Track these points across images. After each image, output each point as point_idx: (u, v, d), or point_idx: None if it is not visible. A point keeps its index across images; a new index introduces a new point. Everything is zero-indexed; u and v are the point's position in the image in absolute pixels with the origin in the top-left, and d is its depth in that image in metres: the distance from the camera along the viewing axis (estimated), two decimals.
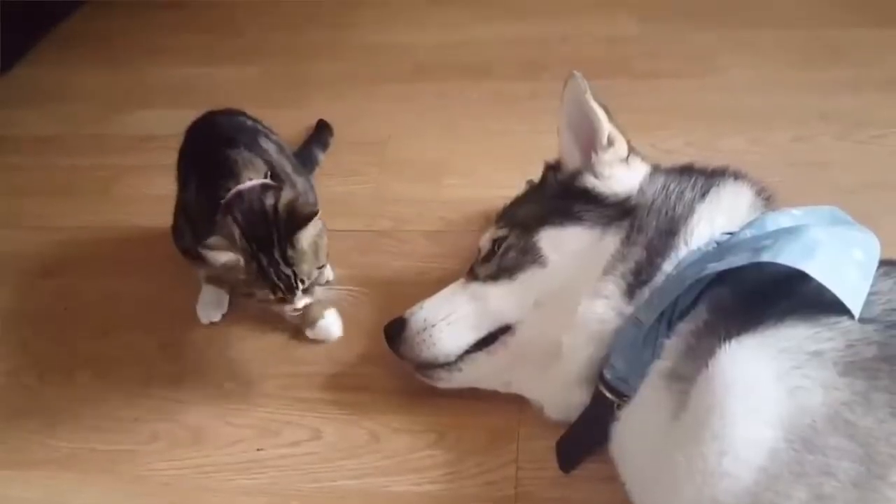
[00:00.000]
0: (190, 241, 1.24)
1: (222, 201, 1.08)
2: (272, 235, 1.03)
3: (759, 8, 2.05)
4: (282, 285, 1.04)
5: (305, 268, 1.05)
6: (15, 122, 1.92)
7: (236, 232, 1.04)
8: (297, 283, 1.05)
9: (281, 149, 1.27)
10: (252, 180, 1.10)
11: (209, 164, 1.15)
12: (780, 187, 1.06)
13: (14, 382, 1.26)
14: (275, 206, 1.05)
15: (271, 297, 1.06)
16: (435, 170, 1.60)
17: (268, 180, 1.12)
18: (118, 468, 1.12)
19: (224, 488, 1.08)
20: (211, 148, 1.18)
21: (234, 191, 1.08)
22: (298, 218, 1.03)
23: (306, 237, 1.04)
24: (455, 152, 1.65)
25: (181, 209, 1.25)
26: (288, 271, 1.04)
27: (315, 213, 1.03)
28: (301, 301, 1.08)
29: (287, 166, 1.24)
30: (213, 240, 1.02)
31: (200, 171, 1.18)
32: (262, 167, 1.14)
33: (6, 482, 1.12)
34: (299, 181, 1.26)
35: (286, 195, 1.07)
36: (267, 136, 1.26)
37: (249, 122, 1.28)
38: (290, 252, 1.03)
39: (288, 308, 1.09)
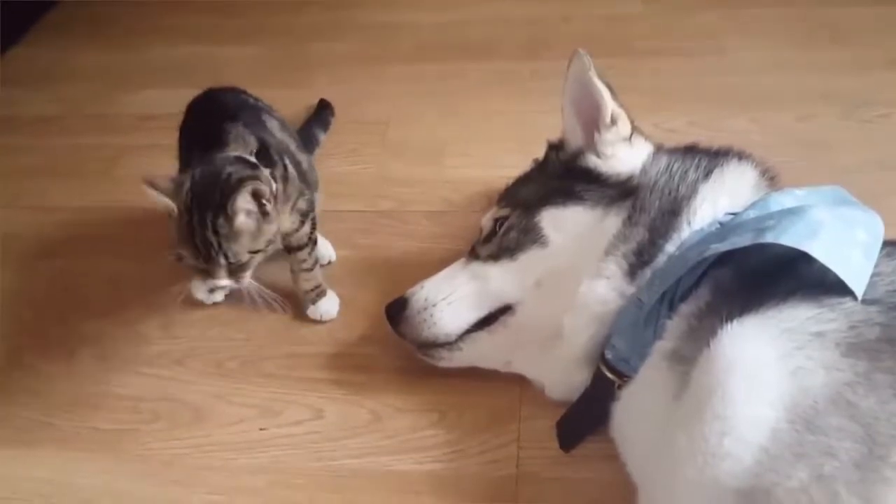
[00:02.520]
0: None
1: None
2: (213, 198, 1.00)
3: None
4: (203, 251, 1.01)
5: (234, 247, 1.02)
6: (15, 103, 1.91)
7: (186, 183, 1.01)
8: (218, 255, 1.02)
9: (284, 126, 1.26)
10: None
11: (210, 139, 1.13)
12: (784, 167, 1.05)
13: (15, 362, 1.26)
14: (229, 174, 1.02)
15: (192, 261, 1.03)
16: (437, 150, 1.60)
17: (249, 156, 1.09)
18: (120, 447, 1.12)
19: (226, 467, 1.08)
20: (213, 123, 1.16)
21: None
22: (236, 186, 0.99)
23: (242, 211, 1.00)
24: (457, 133, 1.64)
25: None
26: (213, 239, 1.01)
27: (243, 183, 0.99)
28: (223, 280, 1.04)
29: (291, 144, 1.23)
30: (159, 178, 1.01)
31: (202, 144, 1.17)
32: (253, 143, 1.12)
33: (11, 461, 1.12)
34: (304, 159, 1.25)
35: (248, 172, 1.03)
36: (269, 114, 1.25)
37: (251, 100, 1.27)
38: (221, 220, 1.00)
39: (209, 282, 1.06)
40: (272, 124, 1.22)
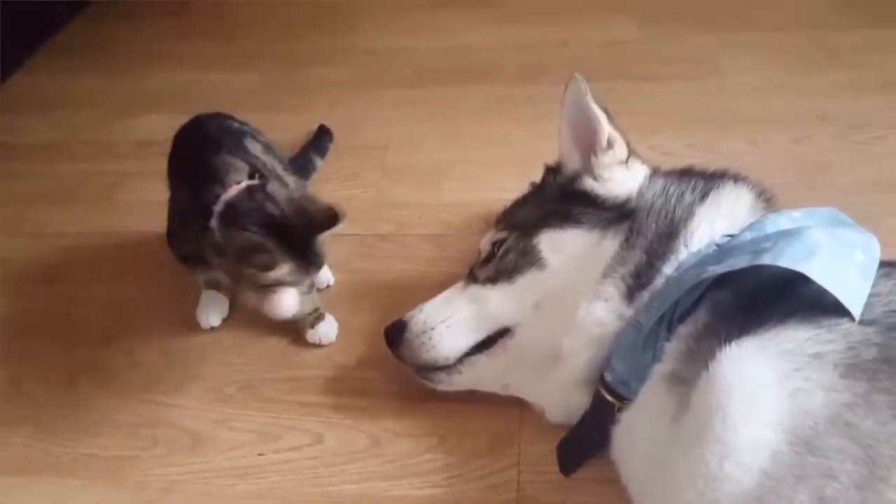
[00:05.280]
0: (190, 249, 1.24)
1: (215, 208, 1.08)
2: (306, 230, 1.05)
3: (757, 10, 2.05)
4: (315, 266, 1.10)
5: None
6: (16, 130, 1.92)
7: (270, 244, 1.04)
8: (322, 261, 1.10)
9: (269, 149, 1.27)
10: (237, 184, 1.10)
11: (197, 170, 1.15)
12: (780, 189, 1.06)
13: (15, 389, 1.26)
14: (283, 213, 1.05)
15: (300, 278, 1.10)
16: (435, 173, 1.60)
17: (252, 181, 1.11)
18: (119, 474, 1.12)
19: (225, 494, 1.08)
20: (197, 153, 1.18)
21: (223, 201, 1.08)
22: (318, 222, 1.05)
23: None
24: (455, 156, 1.65)
25: (176, 215, 1.25)
26: (321, 252, 1.08)
27: (337, 217, 1.05)
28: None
29: (277, 166, 1.24)
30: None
31: (191, 175, 1.18)
32: (245, 168, 1.14)
33: (9, 489, 1.12)
34: (291, 181, 1.26)
35: (280, 193, 1.07)
36: (254, 138, 1.26)
37: (235, 125, 1.27)
38: (316, 252, 1.07)
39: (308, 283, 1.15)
40: (255, 148, 1.23)
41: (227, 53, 2.15)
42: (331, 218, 1.05)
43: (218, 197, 1.08)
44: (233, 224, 1.05)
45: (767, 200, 1.03)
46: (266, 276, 1.06)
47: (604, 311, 0.95)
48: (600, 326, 0.95)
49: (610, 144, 1.06)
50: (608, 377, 0.93)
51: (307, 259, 1.06)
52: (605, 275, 0.96)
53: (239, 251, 1.05)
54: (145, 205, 1.57)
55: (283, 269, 1.05)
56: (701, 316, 0.86)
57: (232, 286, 1.26)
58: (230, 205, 1.07)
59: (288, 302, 1.10)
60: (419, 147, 1.69)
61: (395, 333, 1.12)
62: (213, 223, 1.07)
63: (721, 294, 0.86)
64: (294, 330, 1.27)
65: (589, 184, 1.07)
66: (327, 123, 1.72)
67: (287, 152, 1.55)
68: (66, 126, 1.91)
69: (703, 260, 0.91)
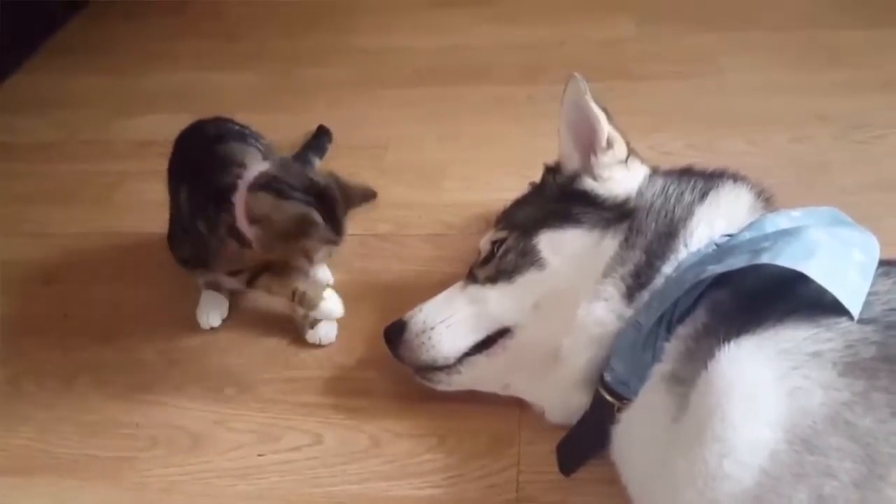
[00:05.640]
0: (189, 252, 1.25)
1: (240, 181, 1.09)
2: (334, 217, 1.08)
3: (757, 10, 2.05)
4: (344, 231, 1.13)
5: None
6: (15, 129, 1.92)
7: (313, 216, 1.06)
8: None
9: (269, 152, 1.27)
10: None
11: (203, 165, 1.16)
12: (780, 189, 1.06)
13: (14, 389, 1.26)
14: (328, 183, 1.09)
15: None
16: (435, 173, 1.60)
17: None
18: (118, 475, 1.12)
19: (225, 494, 1.08)
20: (202, 151, 1.19)
21: (254, 171, 1.10)
22: (357, 196, 1.12)
23: None
24: (455, 156, 1.65)
25: (176, 218, 1.26)
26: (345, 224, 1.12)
27: (373, 194, 1.13)
28: None
29: None
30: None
31: (193, 174, 1.18)
32: (258, 154, 1.17)
33: (8, 489, 1.12)
34: None
35: (318, 173, 1.12)
36: (255, 141, 1.26)
37: (236, 128, 1.28)
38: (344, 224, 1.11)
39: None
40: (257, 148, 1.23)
41: (226, 53, 2.15)
42: (368, 193, 1.10)
43: (239, 177, 1.09)
44: (281, 195, 1.06)
45: (767, 200, 1.03)
46: (314, 248, 1.10)
47: (604, 311, 0.95)
48: (600, 326, 0.95)
49: (609, 144, 1.06)
50: (608, 377, 0.93)
51: (340, 234, 1.10)
52: (605, 275, 0.96)
53: (294, 224, 1.06)
54: (145, 205, 1.57)
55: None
56: (700, 316, 0.86)
57: (243, 285, 1.24)
58: (272, 176, 1.09)
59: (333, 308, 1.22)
60: (419, 147, 1.70)
61: (395, 333, 1.12)
62: (236, 197, 1.08)
63: (720, 294, 0.86)
64: (294, 330, 1.27)
65: (588, 183, 1.07)
66: (326, 123, 1.72)
67: (286, 152, 1.55)
68: (66, 126, 1.91)
69: (703, 260, 0.91)
